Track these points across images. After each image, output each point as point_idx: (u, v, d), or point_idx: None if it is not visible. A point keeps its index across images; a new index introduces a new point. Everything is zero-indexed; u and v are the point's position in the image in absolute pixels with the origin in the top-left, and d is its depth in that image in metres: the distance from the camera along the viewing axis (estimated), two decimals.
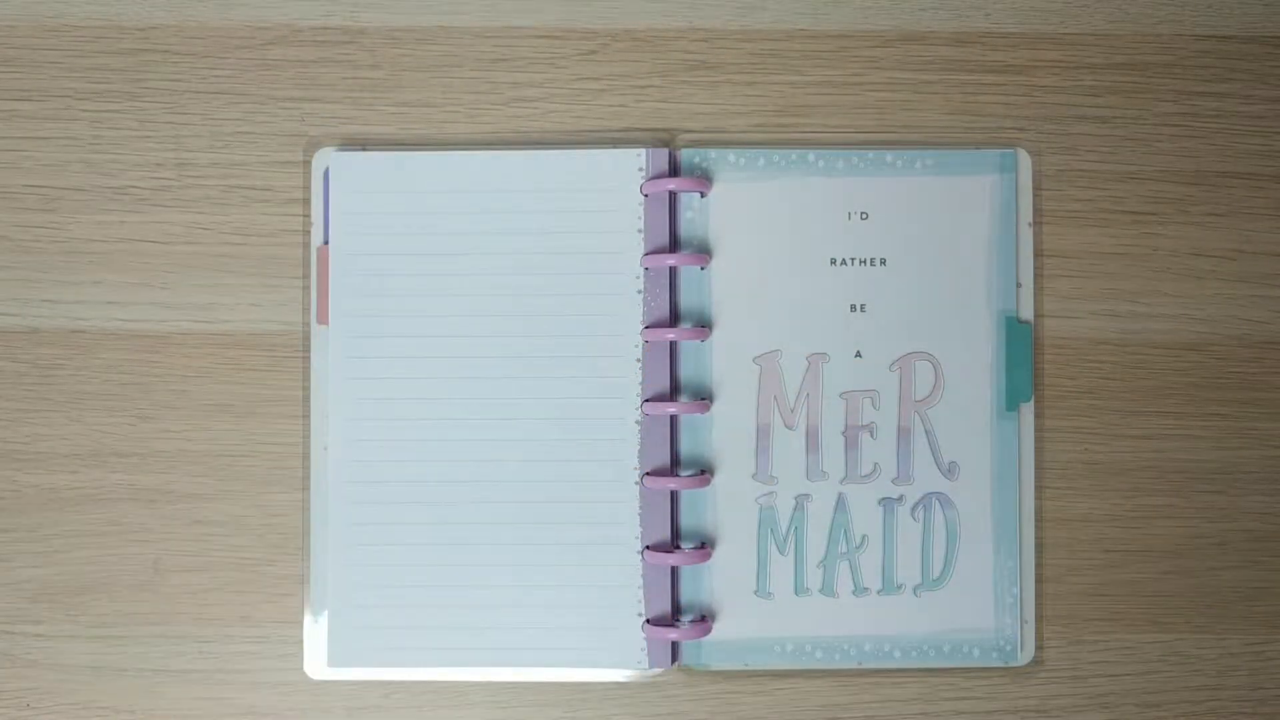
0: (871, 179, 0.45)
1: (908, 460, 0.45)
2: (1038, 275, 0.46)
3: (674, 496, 0.45)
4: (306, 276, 0.46)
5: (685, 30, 0.46)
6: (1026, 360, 0.45)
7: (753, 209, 0.45)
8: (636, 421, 0.45)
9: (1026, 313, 0.45)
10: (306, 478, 0.45)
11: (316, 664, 0.45)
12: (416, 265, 0.45)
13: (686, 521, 0.45)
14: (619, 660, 0.44)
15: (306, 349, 0.45)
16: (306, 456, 0.45)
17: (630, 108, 0.46)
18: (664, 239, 0.45)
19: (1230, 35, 0.46)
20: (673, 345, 0.45)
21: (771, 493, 0.45)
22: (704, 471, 0.45)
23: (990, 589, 0.45)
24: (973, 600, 0.45)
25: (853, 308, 0.45)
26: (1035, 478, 0.45)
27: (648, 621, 0.44)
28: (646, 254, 0.45)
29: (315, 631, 0.45)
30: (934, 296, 0.45)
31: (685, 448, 0.45)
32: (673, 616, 0.44)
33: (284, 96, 0.46)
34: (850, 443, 0.45)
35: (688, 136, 0.46)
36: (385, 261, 0.45)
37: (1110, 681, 0.45)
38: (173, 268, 0.46)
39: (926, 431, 0.45)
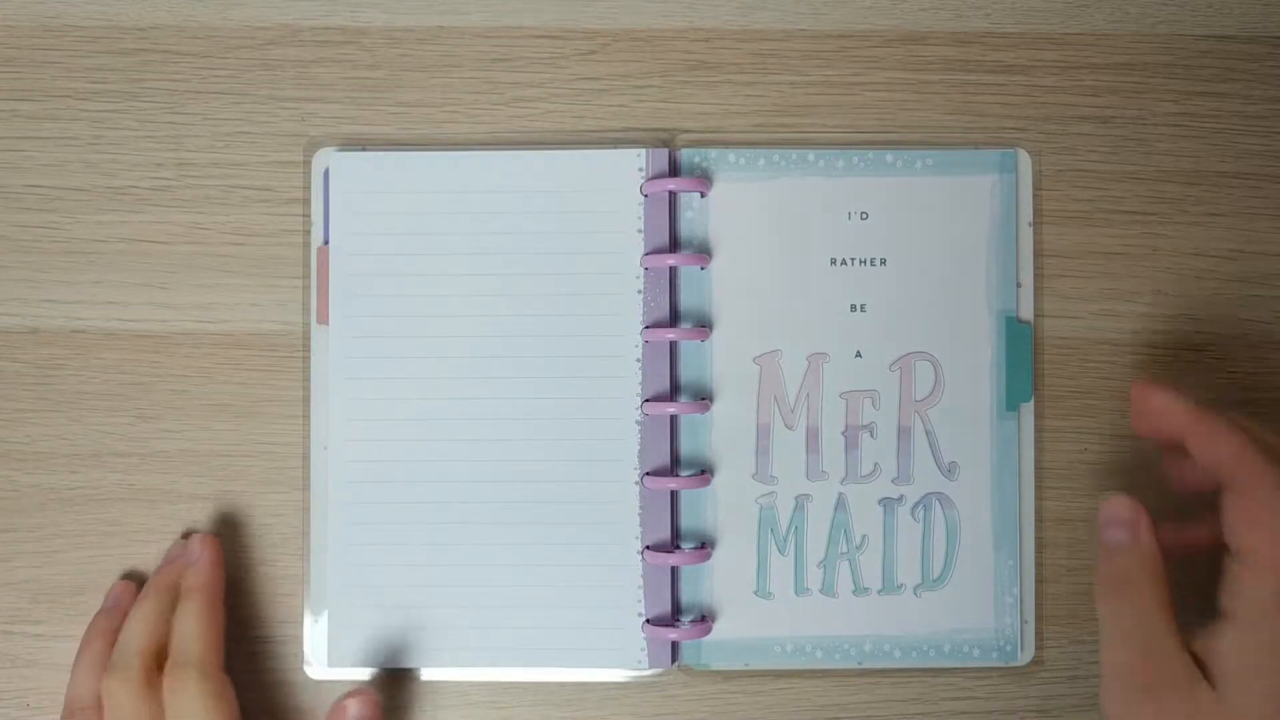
0: (871, 179, 0.45)
1: (908, 460, 0.45)
2: (1038, 275, 0.46)
3: (674, 496, 0.45)
4: (306, 276, 0.46)
5: (685, 30, 0.46)
6: (1026, 360, 0.45)
7: (753, 209, 0.45)
8: (636, 421, 0.45)
9: (1026, 313, 0.45)
10: (306, 478, 0.45)
11: (316, 664, 0.45)
12: (416, 265, 0.45)
13: (686, 521, 0.45)
14: (619, 660, 0.44)
15: (306, 349, 0.45)
16: (306, 456, 0.45)
17: (630, 108, 0.46)
18: (664, 239, 0.45)
19: (1230, 35, 0.46)
20: (673, 345, 0.45)
21: (771, 493, 0.45)
22: (704, 471, 0.45)
23: (990, 589, 0.45)
24: (973, 600, 0.45)
25: (853, 308, 0.45)
26: (1035, 478, 0.45)
27: (648, 621, 0.44)
28: (646, 254, 0.45)
29: (315, 631, 0.45)
30: (934, 296, 0.45)
31: (685, 448, 0.45)
32: (673, 616, 0.44)
33: (284, 96, 0.46)
34: (850, 443, 0.45)
35: (688, 136, 0.46)
36: (385, 261, 0.45)
37: None
38: (173, 268, 0.46)
39: (926, 431, 0.45)
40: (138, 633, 0.42)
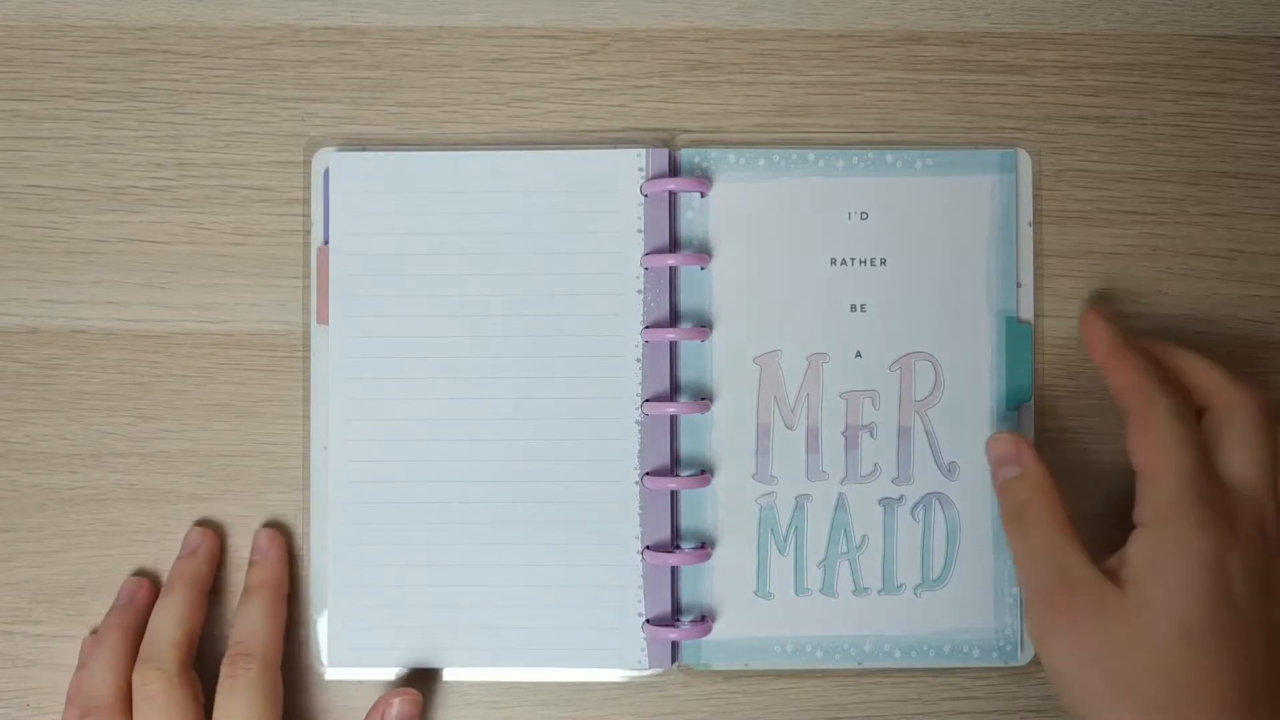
0: (871, 179, 0.45)
1: (908, 460, 0.45)
2: (1038, 275, 0.46)
3: (674, 496, 0.45)
4: (306, 276, 0.46)
5: (685, 30, 0.46)
6: (1026, 360, 0.45)
7: (753, 209, 0.45)
8: (636, 421, 0.45)
9: (1026, 313, 0.45)
10: (306, 478, 0.45)
11: (317, 664, 0.45)
12: (416, 265, 0.45)
13: (686, 521, 0.45)
14: (619, 660, 0.44)
15: (306, 349, 0.45)
16: (306, 456, 0.45)
17: (630, 108, 0.46)
18: (664, 239, 0.45)
19: (1230, 35, 0.46)
20: (673, 345, 0.45)
21: (771, 493, 0.45)
22: (704, 471, 0.45)
23: (990, 589, 0.45)
24: (973, 600, 0.45)
25: (853, 308, 0.45)
26: None
27: (648, 621, 0.44)
28: (646, 254, 0.45)
29: (316, 631, 0.45)
30: (934, 296, 0.45)
31: (685, 448, 0.45)
32: (673, 616, 0.44)
33: (284, 96, 0.46)
34: (850, 443, 0.45)
35: (688, 136, 0.46)
36: (385, 261, 0.45)
37: None
38: (173, 268, 0.46)
39: (926, 431, 0.45)
40: (169, 625, 0.42)
